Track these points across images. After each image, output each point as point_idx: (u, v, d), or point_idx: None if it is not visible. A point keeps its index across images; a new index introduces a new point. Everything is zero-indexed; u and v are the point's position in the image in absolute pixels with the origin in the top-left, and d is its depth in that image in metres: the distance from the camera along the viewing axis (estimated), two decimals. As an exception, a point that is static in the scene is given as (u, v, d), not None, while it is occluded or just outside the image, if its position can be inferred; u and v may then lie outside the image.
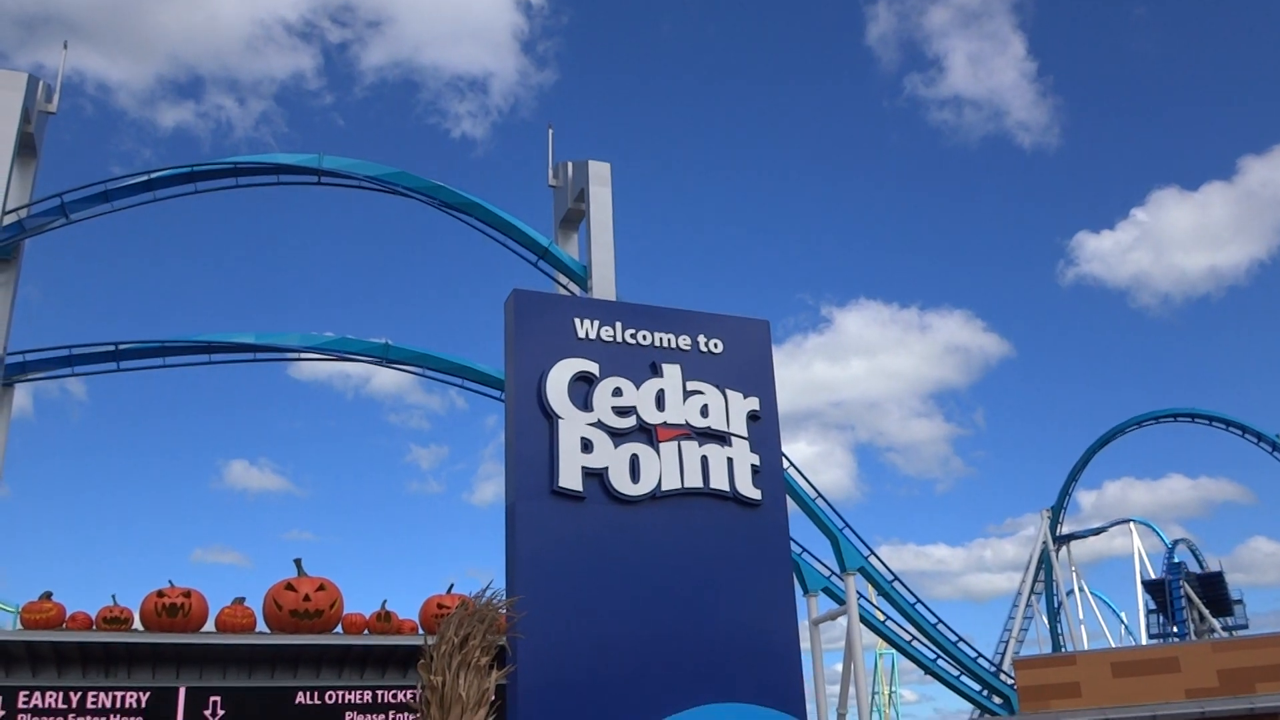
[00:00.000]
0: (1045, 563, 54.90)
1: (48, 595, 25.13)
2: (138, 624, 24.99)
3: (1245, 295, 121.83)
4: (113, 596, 25.13)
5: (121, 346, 30.93)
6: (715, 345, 15.36)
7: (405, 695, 25.73)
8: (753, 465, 14.89)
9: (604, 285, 30.67)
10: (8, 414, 29.19)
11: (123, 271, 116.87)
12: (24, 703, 23.44)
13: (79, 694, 23.89)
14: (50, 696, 23.68)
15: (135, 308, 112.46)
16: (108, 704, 23.97)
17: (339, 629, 26.43)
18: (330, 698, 25.62)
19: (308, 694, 25.54)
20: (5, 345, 28.03)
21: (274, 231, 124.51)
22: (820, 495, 36.66)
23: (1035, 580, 54.78)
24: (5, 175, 27.33)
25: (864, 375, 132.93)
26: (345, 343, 33.57)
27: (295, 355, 33.86)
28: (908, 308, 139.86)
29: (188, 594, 25.47)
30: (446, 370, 33.84)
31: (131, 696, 24.24)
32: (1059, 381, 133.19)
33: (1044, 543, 54.65)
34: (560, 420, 13.88)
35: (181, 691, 24.68)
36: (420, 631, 26.38)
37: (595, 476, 13.82)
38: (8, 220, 27.56)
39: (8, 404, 29.24)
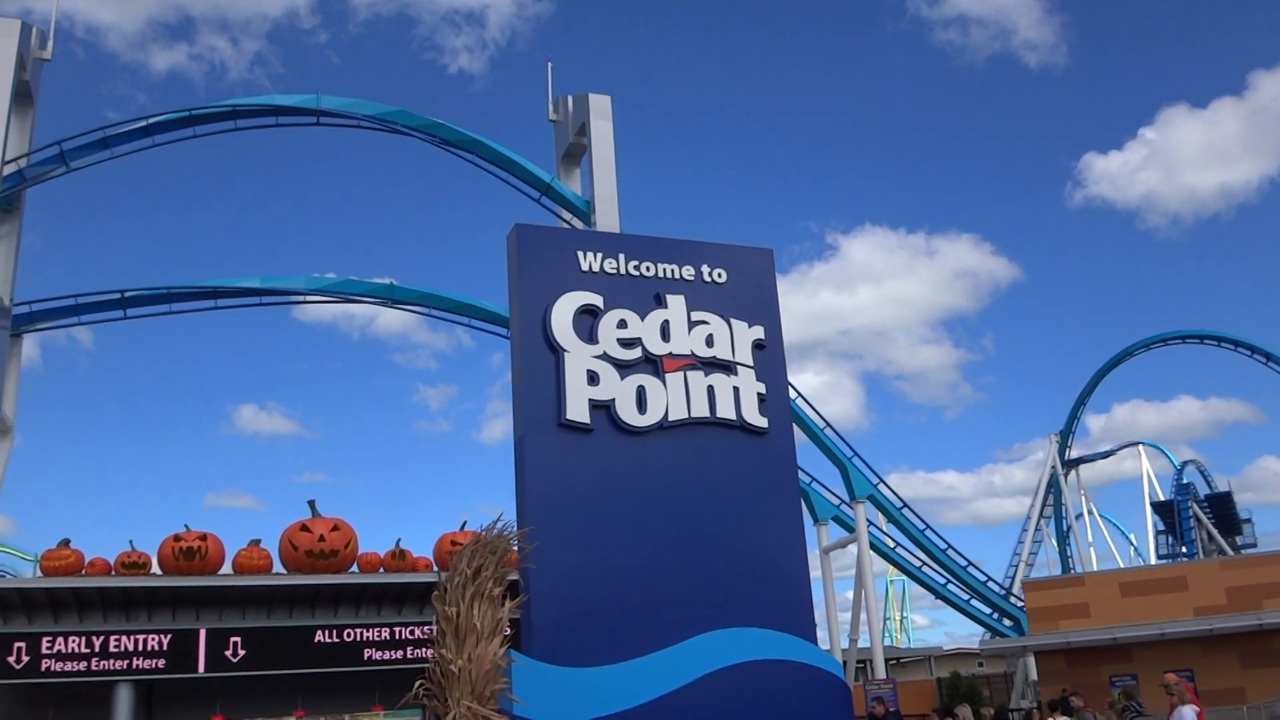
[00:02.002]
0: (1054, 487, 55.00)
1: (66, 543, 25.45)
2: (156, 568, 25.35)
3: (1256, 214, 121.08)
4: (130, 542, 25.50)
5: (127, 294, 30.90)
6: (719, 275, 15.30)
7: (422, 631, 26.11)
8: (759, 394, 14.90)
9: (607, 220, 30.46)
10: (17, 364, 29.26)
11: (124, 219, 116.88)
12: (48, 648, 23.86)
13: (101, 638, 24.30)
14: (73, 641, 24.10)
15: (139, 255, 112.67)
16: (130, 647, 24.37)
17: (355, 568, 26.78)
18: (348, 635, 26.01)
19: (326, 632, 25.93)
20: (11, 296, 28.02)
21: (274, 174, 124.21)
22: (828, 424, 36.65)
23: (1044, 504, 54.88)
24: (3, 125, 27.09)
25: (871, 303, 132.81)
26: (350, 284, 33.54)
27: (300, 298, 33.77)
28: (915, 233, 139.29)
29: (204, 538, 25.78)
30: (452, 309, 33.79)
31: (153, 639, 24.64)
32: (1068, 304, 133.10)
33: (1053, 467, 54.67)
34: (566, 353, 13.89)
35: (202, 633, 25.09)
36: (435, 568, 26.68)
37: (602, 408, 13.86)
38: (8, 170, 27.38)
39: (16, 354, 29.29)
